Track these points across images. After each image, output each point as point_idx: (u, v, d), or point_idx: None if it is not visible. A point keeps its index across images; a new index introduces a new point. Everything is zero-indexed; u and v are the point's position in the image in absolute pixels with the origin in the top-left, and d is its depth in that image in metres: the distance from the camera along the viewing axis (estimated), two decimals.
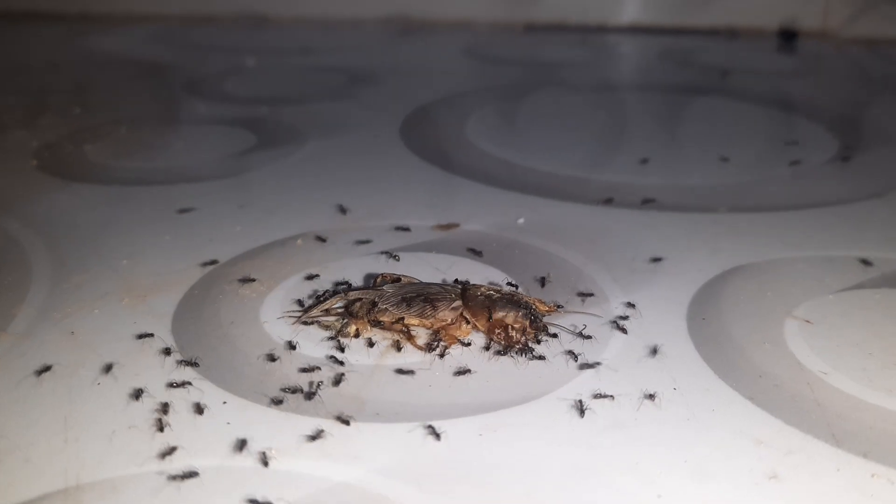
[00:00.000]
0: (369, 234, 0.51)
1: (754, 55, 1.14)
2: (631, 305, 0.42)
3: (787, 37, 1.23)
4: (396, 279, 0.42)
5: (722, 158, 0.65)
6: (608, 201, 0.57)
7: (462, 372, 0.37)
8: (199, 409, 0.34)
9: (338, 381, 0.36)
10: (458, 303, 0.39)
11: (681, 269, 0.47)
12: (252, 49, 1.05)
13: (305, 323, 0.40)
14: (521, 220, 0.54)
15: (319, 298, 0.42)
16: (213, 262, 0.47)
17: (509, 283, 0.44)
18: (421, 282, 0.42)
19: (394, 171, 0.64)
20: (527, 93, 0.89)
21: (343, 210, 0.54)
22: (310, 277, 0.45)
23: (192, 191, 0.59)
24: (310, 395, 0.34)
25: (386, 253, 0.48)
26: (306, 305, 0.42)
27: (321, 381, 0.36)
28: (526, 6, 1.27)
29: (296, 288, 0.44)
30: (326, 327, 0.40)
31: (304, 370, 0.37)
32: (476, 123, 0.76)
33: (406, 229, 0.52)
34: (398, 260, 0.47)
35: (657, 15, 1.26)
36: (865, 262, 0.47)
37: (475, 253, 0.48)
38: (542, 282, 0.45)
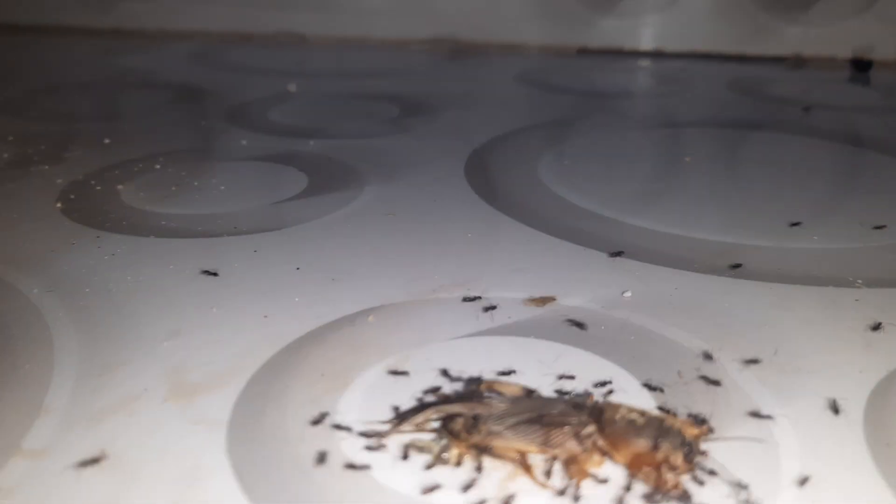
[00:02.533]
0: (453, 309, 0.43)
1: (826, 86, 1.05)
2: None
3: (861, 66, 1.15)
4: (501, 390, 0.34)
5: (865, 224, 0.56)
6: (735, 267, 0.48)
7: None
8: None
9: None
10: (591, 428, 0.31)
11: (836, 369, 0.39)
12: (293, 72, 0.98)
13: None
14: (627, 294, 0.46)
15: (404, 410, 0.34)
16: (272, 347, 0.39)
17: (648, 386, 0.35)
18: (539, 395, 0.34)
19: (466, 225, 0.56)
20: (597, 130, 0.81)
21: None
22: (395, 373, 0.37)
23: (238, 246, 0.51)
24: None
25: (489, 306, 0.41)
26: (393, 417, 0.34)
27: None
28: (579, 30, 1.20)
29: (375, 385, 0.36)
30: (420, 449, 0.32)
31: None
32: (550, 165, 0.68)
33: (492, 308, 0.43)
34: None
35: (717, 41, 1.18)
36: None
37: (578, 326, 0.41)
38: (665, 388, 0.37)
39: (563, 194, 0.61)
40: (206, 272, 0.46)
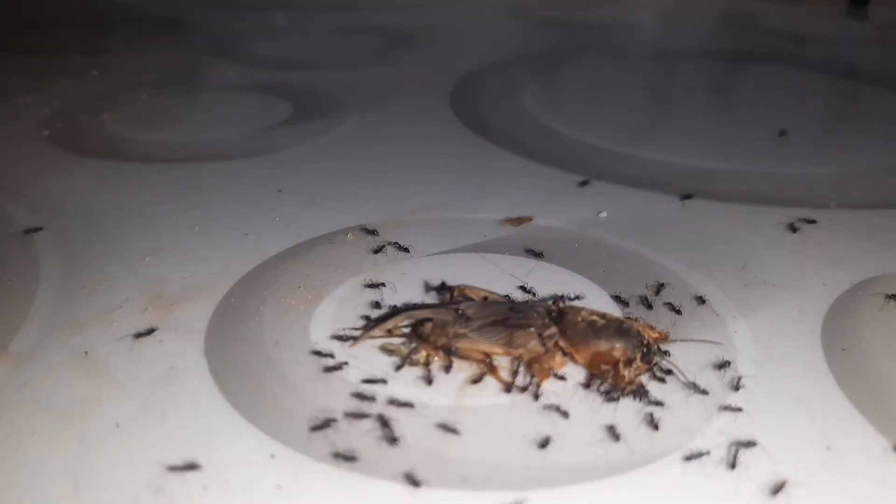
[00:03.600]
0: (430, 228, 0.44)
1: (822, 19, 1.04)
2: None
3: (858, 1, 1.13)
4: (472, 295, 0.35)
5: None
6: (687, 197, 0.49)
7: (560, 412, 0.30)
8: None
9: (385, 423, 0.29)
10: (553, 330, 0.32)
11: (801, 283, 0.40)
12: (279, 4, 0.97)
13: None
14: (603, 214, 0.46)
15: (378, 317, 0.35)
16: (250, 264, 0.40)
17: (617, 298, 0.37)
18: (506, 300, 0.35)
19: (449, 151, 0.56)
20: (584, 61, 0.81)
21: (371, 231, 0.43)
22: (371, 286, 0.38)
23: (222, 170, 0.52)
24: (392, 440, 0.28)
25: (394, 244, 0.41)
26: (366, 324, 0.35)
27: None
28: None
29: (350, 297, 0.37)
30: (390, 352, 0.33)
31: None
32: (535, 95, 0.68)
33: (405, 249, 0.42)
34: (408, 251, 0.41)
35: None
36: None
37: (535, 255, 0.41)
38: (646, 300, 0.38)
39: (547, 122, 0.61)
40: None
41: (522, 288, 0.38)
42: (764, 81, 0.77)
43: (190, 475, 0.27)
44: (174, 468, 0.27)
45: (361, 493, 0.27)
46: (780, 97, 0.72)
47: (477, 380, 0.32)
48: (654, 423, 0.29)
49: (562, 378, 0.32)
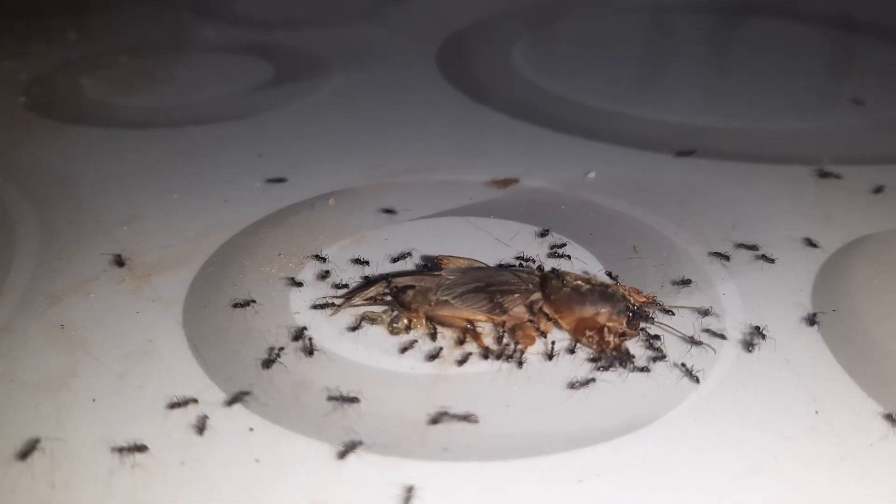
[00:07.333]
0: (414, 192, 0.43)
1: None
2: (760, 329, 0.32)
3: None
4: (453, 264, 0.34)
5: (855, 101, 0.55)
6: (688, 153, 0.48)
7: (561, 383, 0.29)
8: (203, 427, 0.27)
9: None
10: (537, 295, 0.31)
11: (792, 243, 0.39)
12: None
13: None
14: (591, 174, 0.46)
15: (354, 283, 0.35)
16: (230, 230, 0.39)
17: (608, 274, 0.36)
18: (489, 266, 0.34)
19: (434, 111, 0.55)
20: (575, 15, 0.79)
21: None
22: (357, 262, 0.37)
23: (202, 135, 0.50)
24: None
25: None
26: (347, 291, 0.34)
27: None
28: None
29: (331, 264, 0.37)
30: (372, 320, 0.33)
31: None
32: (524, 52, 0.66)
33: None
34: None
35: None
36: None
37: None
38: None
39: (535, 80, 0.60)
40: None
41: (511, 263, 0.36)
42: (758, 34, 0.75)
43: (166, 450, 0.26)
44: (151, 442, 0.26)
45: (340, 466, 0.26)
46: (774, 51, 0.70)
47: (460, 349, 0.31)
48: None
49: (544, 335, 0.31)
